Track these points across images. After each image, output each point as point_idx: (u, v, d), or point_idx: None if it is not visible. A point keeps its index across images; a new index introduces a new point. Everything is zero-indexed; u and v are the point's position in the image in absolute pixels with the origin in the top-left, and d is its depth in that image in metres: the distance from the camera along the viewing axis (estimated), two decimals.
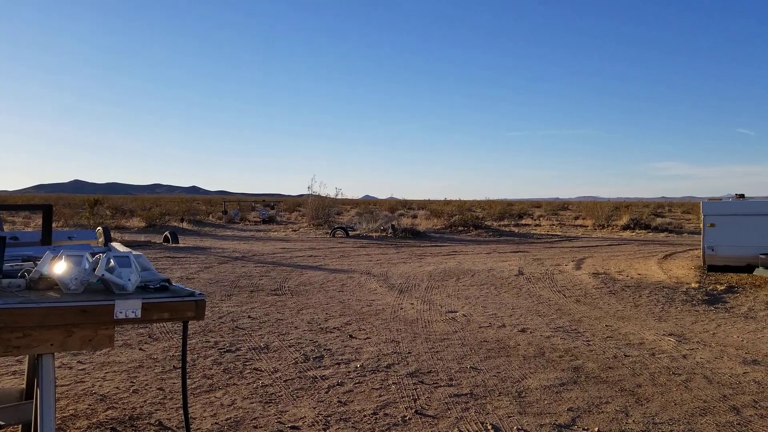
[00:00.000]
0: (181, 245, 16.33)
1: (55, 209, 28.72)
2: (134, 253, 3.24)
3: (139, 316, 2.54)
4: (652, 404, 4.13)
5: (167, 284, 2.79)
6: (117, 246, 3.58)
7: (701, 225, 9.86)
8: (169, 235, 17.20)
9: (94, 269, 2.57)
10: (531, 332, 6.27)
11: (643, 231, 23.31)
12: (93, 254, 2.82)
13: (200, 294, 2.70)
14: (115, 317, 2.49)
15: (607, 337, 6.10)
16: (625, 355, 5.37)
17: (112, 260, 2.66)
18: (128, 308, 2.52)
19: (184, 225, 25.38)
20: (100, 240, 3.99)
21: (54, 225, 23.33)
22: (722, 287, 9.06)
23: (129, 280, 2.59)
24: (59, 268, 2.60)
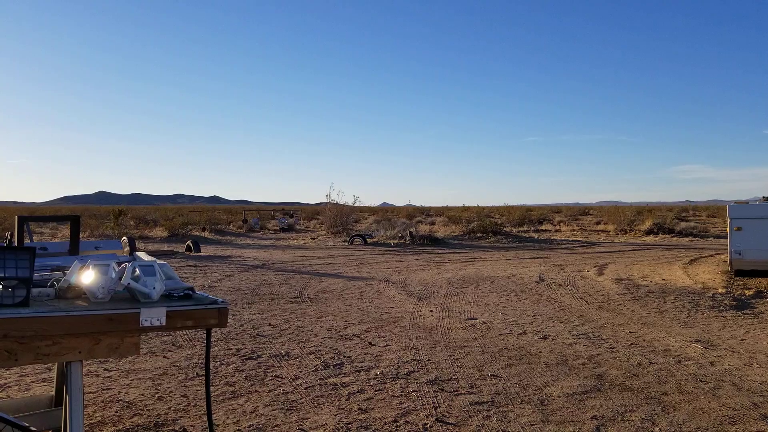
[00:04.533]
0: (203, 254, 16.51)
1: (82, 220, 29.10)
2: (159, 262, 3.30)
3: (164, 323, 2.59)
4: (679, 412, 4.06)
5: (191, 293, 2.84)
6: (142, 255, 3.64)
7: (727, 229, 9.67)
8: (191, 245, 17.41)
9: (121, 278, 2.62)
10: (553, 339, 6.21)
11: (667, 235, 22.95)
12: (119, 264, 2.88)
13: (223, 302, 2.74)
14: (140, 325, 2.54)
15: (632, 344, 6.01)
16: (650, 362, 5.28)
17: (137, 269, 2.71)
18: (153, 316, 2.56)
19: (206, 234, 25.67)
20: (126, 250, 4.07)
21: (81, 236, 23.81)
22: (750, 292, 8.87)
23: (154, 288, 2.64)
24: (87, 277, 2.66)
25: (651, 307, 8.13)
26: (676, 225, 25.31)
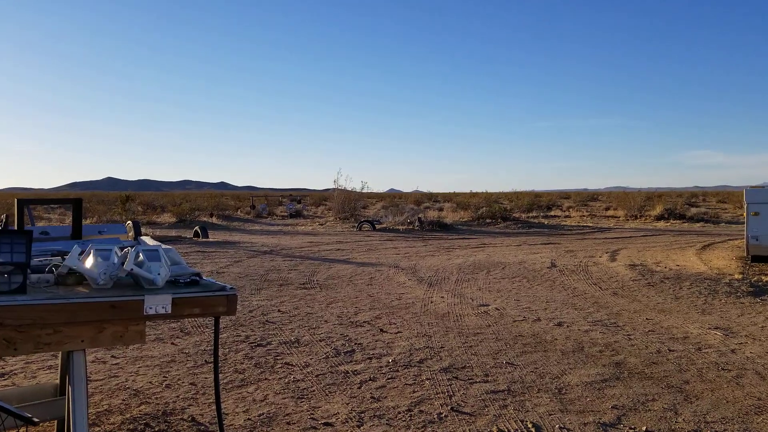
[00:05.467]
0: (210, 240, 16.45)
1: (89, 206, 29.44)
2: (164, 246, 3.18)
3: (170, 311, 2.47)
4: (702, 402, 3.92)
5: (198, 278, 2.71)
6: (147, 240, 3.52)
7: (744, 214, 9.43)
8: (199, 230, 17.35)
9: (123, 263, 2.50)
10: (568, 326, 6.08)
11: (678, 221, 22.67)
12: (122, 248, 2.76)
13: (231, 288, 2.62)
14: (144, 313, 2.42)
15: (649, 330, 5.87)
16: (670, 350, 5.14)
17: (141, 254, 2.59)
18: (158, 303, 2.44)
19: (214, 220, 25.62)
20: (130, 234, 3.95)
21: (88, 221, 23.69)
22: (767, 278, 8.68)
23: (159, 274, 2.52)
24: (88, 262, 2.55)
25: (667, 293, 7.96)
26: (686, 210, 25.00)
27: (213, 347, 2.81)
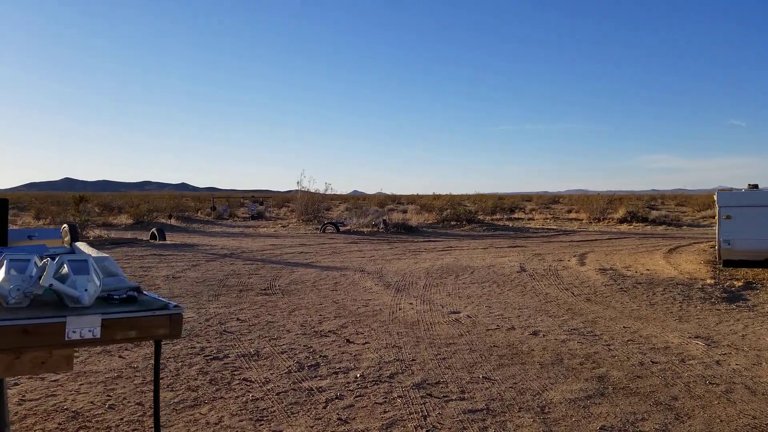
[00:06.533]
0: (168, 242, 15.74)
1: (43, 207, 28.01)
2: (99, 255, 2.73)
3: (98, 335, 2.03)
4: (695, 421, 3.66)
5: (135, 294, 2.28)
6: (82, 247, 3.05)
7: (716, 217, 9.34)
8: (155, 232, 16.61)
9: (41, 277, 2.05)
10: (544, 335, 5.81)
11: (641, 224, 22.96)
12: (45, 258, 2.31)
13: (176, 306, 2.20)
14: (66, 338, 1.99)
15: (628, 340, 5.64)
16: (652, 362, 4.90)
17: (65, 266, 2.14)
18: (83, 326, 2.00)
19: (172, 222, 24.73)
20: (66, 240, 3.47)
21: (41, 223, 22.34)
22: (739, 283, 8.63)
23: (85, 290, 2.07)
24: (2, 275, 2.09)
25: (641, 299, 7.80)
26: (648, 214, 25.38)
27: (153, 376, 2.38)
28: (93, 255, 2.80)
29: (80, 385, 4.29)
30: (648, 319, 6.65)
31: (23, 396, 4.06)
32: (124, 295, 2.26)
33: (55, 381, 4.36)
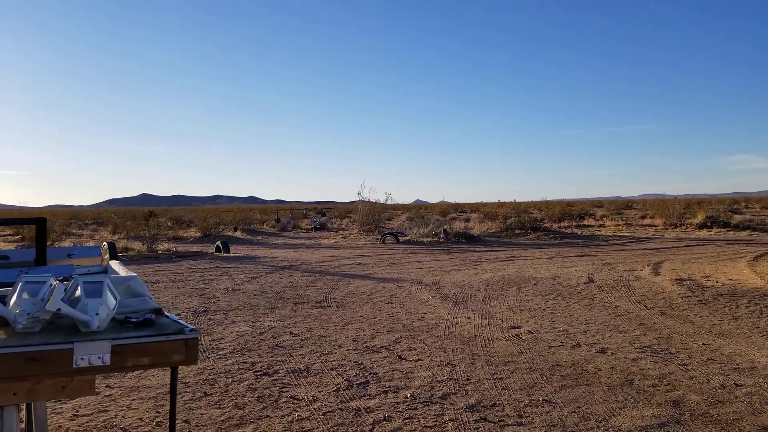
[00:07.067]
0: (231, 255, 16.07)
1: (119, 222, 29.50)
2: (127, 274, 2.64)
3: (108, 362, 1.91)
4: None
5: (152, 318, 2.16)
6: (115, 266, 3.00)
7: None
8: (220, 245, 17.02)
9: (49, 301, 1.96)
10: (612, 353, 5.35)
11: (723, 229, 21.44)
12: (64, 279, 2.23)
13: (192, 330, 2.05)
14: (74, 365, 1.87)
15: (708, 359, 5.10)
16: (736, 385, 4.38)
17: (79, 288, 2.05)
18: (92, 353, 1.88)
19: (238, 234, 25.39)
20: (105, 258, 3.45)
21: (115, 237, 23.42)
22: None
23: (96, 314, 1.96)
24: (12, 299, 2.02)
25: (722, 312, 7.12)
26: (730, 218, 23.70)
27: (170, 404, 2.24)
28: (121, 274, 2.73)
29: (132, 400, 4.30)
30: (731, 335, 6.02)
31: (77, 411, 4.10)
32: (141, 318, 2.14)
33: (108, 396, 4.40)
